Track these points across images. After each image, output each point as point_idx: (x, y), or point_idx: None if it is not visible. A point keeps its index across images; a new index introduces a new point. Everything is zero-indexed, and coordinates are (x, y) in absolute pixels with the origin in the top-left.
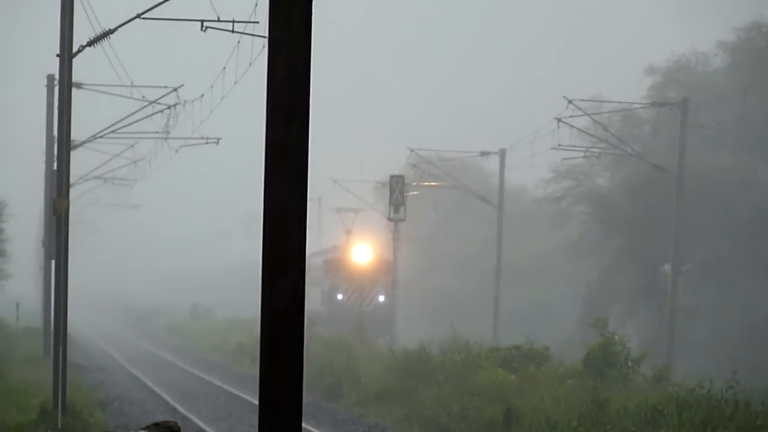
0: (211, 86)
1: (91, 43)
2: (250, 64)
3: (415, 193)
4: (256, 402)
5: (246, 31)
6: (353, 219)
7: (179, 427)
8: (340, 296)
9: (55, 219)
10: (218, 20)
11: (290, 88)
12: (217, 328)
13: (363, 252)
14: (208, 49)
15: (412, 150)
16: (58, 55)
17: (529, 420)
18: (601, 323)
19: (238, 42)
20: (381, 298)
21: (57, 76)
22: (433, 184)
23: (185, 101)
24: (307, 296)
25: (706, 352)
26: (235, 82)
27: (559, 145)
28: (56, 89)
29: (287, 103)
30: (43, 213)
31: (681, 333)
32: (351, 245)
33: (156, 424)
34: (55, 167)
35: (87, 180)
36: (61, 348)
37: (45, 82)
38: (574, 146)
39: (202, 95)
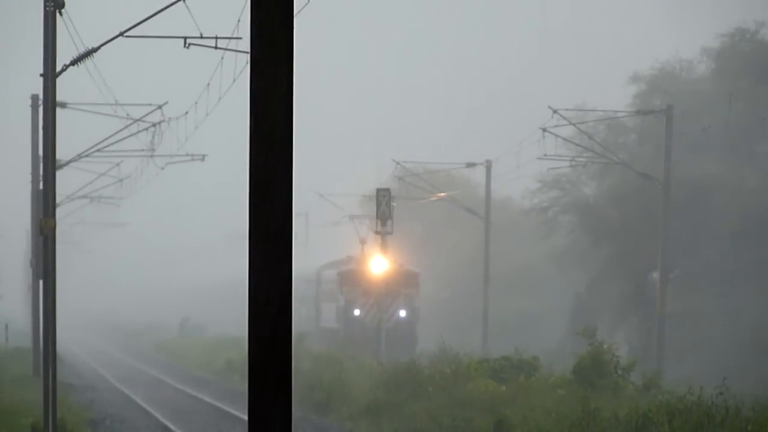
0: (196, 103)
1: (74, 62)
2: (234, 80)
3: (396, 205)
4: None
5: (229, 47)
6: (368, 227)
7: None
8: (357, 312)
9: (42, 239)
10: (201, 37)
11: (272, 105)
12: (207, 345)
13: (382, 263)
14: (192, 66)
15: (397, 163)
16: (41, 75)
17: (520, 430)
18: (589, 332)
19: (222, 58)
20: (402, 314)
21: (41, 96)
22: (418, 200)
23: (170, 118)
24: (321, 313)
25: (695, 359)
26: (219, 99)
27: (545, 155)
28: (41, 109)
29: (270, 120)
30: (30, 233)
31: (670, 340)
32: (367, 255)
33: None
34: (41, 187)
35: (73, 199)
36: (50, 368)
37: (29, 102)
38: (559, 156)
39: (187, 112)
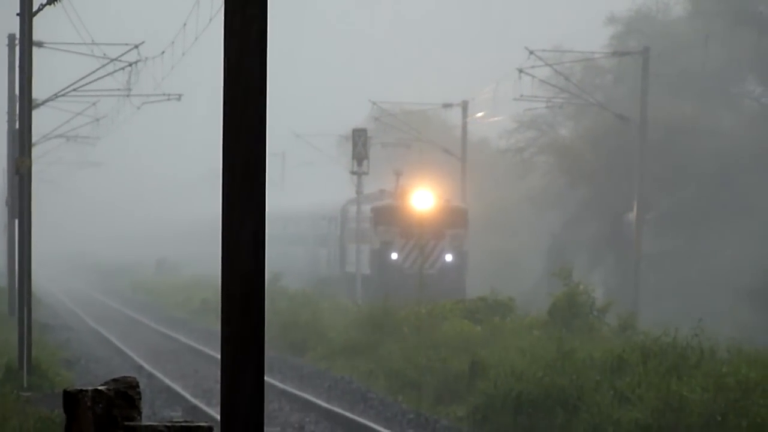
0: (172, 43)
1: (51, 2)
2: (210, 20)
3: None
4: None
5: None
6: (404, 156)
7: (137, 382)
8: (395, 256)
9: (17, 178)
10: None
11: (247, 44)
12: (182, 285)
13: (424, 198)
14: (168, 7)
15: (374, 103)
16: (18, 14)
17: (495, 371)
18: (565, 273)
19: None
20: (448, 258)
21: (18, 36)
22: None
23: (146, 58)
24: (347, 255)
25: (671, 300)
26: (196, 38)
27: (521, 96)
28: (17, 48)
29: (244, 59)
30: (6, 172)
31: (646, 281)
32: (404, 189)
33: (114, 380)
34: (17, 126)
35: (49, 139)
36: (25, 307)
37: (6, 41)
38: (536, 97)
39: (163, 52)
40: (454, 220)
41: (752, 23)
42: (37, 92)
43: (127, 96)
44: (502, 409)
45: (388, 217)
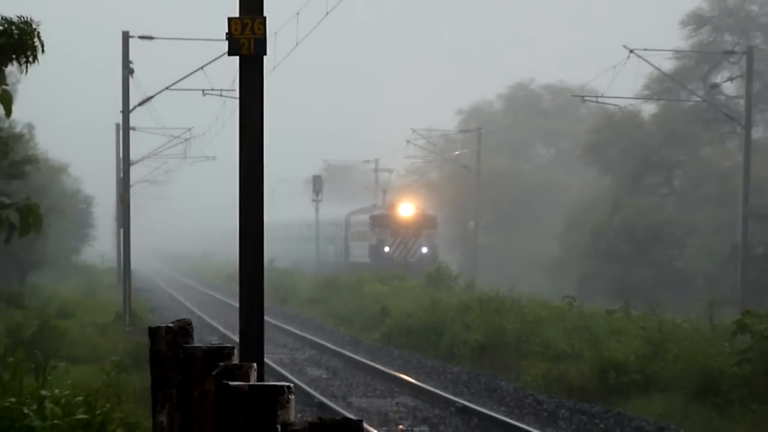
0: (209, 128)
1: (140, 104)
2: (231, 114)
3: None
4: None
5: (229, 95)
6: (388, 178)
7: (191, 321)
8: (387, 249)
9: (121, 205)
10: (212, 89)
11: (251, 131)
12: (216, 266)
13: (407, 208)
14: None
15: (324, 160)
16: (121, 111)
17: (395, 312)
18: (435, 257)
19: (224, 103)
20: (424, 250)
21: (121, 123)
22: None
23: (195, 136)
24: (351, 250)
25: (495, 272)
26: (223, 124)
27: (409, 155)
28: (120, 132)
29: (250, 139)
30: (116, 202)
31: (481, 261)
32: (391, 203)
33: (177, 320)
34: (121, 175)
35: (140, 182)
36: (126, 279)
37: (114, 127)
38: (416, 156)
39: (204, 132)
40: (427, 223)
41: (541, 114)
42: (133, 155)
43: (184, 158)
44: (398, 334)
45: (381, 222)
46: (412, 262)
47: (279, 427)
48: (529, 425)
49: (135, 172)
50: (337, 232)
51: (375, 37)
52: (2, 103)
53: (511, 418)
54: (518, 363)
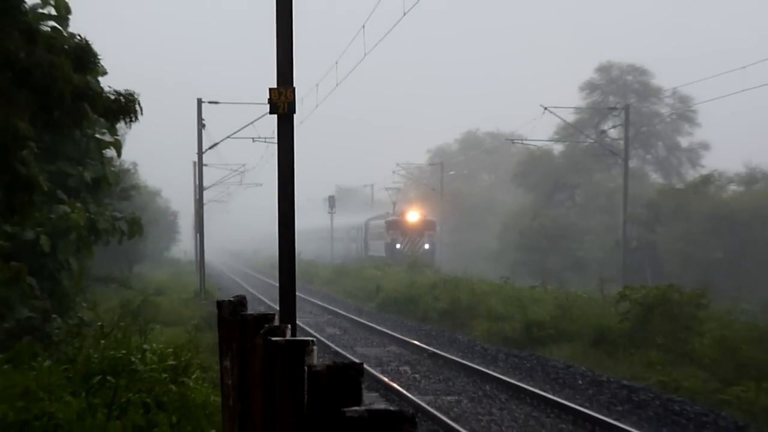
0: (256, 165)
1: (209, 148)
2: (273, 154)
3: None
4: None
5: (271, 141)
6: (396, 194)
7: (245, 297)
8: (398, 246)
9: (197, 218)
10: (259, 137)
11: (286, 166)
12: (263, 259)
13: (413, 215)
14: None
15: (336, 185)
16: (197, 153)
17: (386, 289)
18: (434, 252)
19: (267, 147)
20: (426, 246)
21: (197, 162)
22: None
23: (247, 169)
24: (370, 246)
25: (455, 261)
26: (267, 162)
27: (394, 182)
28: (197, 167)
29: (285, 174)
30: (194, 215)
31: (445, 253)
32: (400, 211)
33: (236, 296)
34: (197, 197)
35: (210, 202)
36: (201, 268)
37: (191, 165)
38: (398, 182)
39: (254, 167)
40: (428, 226)
41: (484, 152)
42: (205, 183)
43: (240, 185)
44: (388, 304)
45: (394, 226)
46: (417, 255)
47: (306, 368)
48: (477, 365)
49: (206, 195)
50: (358, 234)
51: (366, 94)
52: (115, 148)
53: (465, 360)
54: (470, 322)
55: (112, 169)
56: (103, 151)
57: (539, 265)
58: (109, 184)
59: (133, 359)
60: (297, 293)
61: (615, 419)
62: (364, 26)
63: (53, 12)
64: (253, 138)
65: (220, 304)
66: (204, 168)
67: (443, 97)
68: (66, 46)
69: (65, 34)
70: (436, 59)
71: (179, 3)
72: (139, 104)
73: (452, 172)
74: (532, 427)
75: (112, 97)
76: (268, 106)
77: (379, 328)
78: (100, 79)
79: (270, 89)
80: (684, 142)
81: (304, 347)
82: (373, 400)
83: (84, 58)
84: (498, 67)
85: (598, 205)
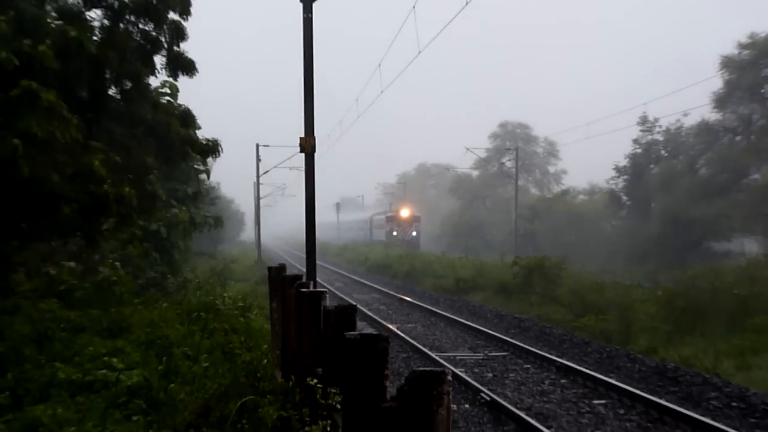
0: (292, 182)
1: (263, 174)
2: (301, 179)
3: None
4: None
5: (302, 170)
6: (392, 197)
7: (284, 265)
8: (395, 233)
9: (256, 216)
10: (294, 167)
11: (310, 183)
12: (297, 241)
13: (405, 212)
14: (293, 174)
15: (340, 195)
16: (256, 176)
17: (371, 258)
18: (418, 237)
19: (298, 173)
20: (414, 234)
21: (256, 182)
22: None
23: (286, 186)
24: (373, 233)
25: (430, 245)
26: (300, 182)
27: (385, 194)
28: (256, 186)
29: (310, 188)
30: (254, 214)
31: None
32: (396, 209)
33: (280, 264)
34: (256, 203)
35: (264, 207)
36: (258, 247)
37: (252, 184)
38: (393, 194)
39: (291, 185)
40: (415, 219)
41: (431, 177)
42: (261, 194)
43: (282, 195)
44: (373, 268)
45: (392, 219)
46: (407, 240)
47: (322, 308)
48: (427, 305)
49: (261, 202)
50: (365, 225)
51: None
52: (206, 173)
53: (419, 302)
54: (423, 279)
55: (204, 186)
56: (199, 175)
57: (464, 245)
58: (203, 195)
59: (217, 302)
60: (317, 262)
61: (510, 337)
62: (357, 100)
63: (168, 91)
64: (290, 167)
65: (270, 269)
66: (260, 186)
67: (411, 135)
68: (176, 111)
69: (175, 104)
70: (398, 110)
71: (236, 82)
72: (220, 146)
73: (411, 191)
74: (460, 340)
75: (204, 142)
76: (298, 147)
77: (366, 282)
78: (197, 131)
79: (300, 138)
80: (552, 169)
81: (321, 295)
82: (362, 327)
83: (187, 118)
84: (436, 113)
85: (500, 208)
